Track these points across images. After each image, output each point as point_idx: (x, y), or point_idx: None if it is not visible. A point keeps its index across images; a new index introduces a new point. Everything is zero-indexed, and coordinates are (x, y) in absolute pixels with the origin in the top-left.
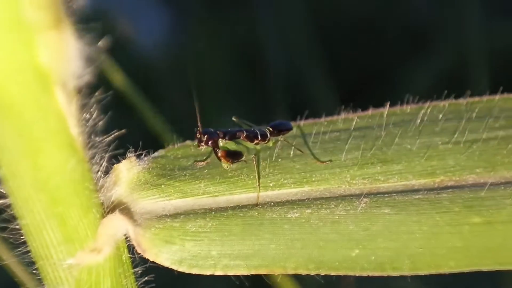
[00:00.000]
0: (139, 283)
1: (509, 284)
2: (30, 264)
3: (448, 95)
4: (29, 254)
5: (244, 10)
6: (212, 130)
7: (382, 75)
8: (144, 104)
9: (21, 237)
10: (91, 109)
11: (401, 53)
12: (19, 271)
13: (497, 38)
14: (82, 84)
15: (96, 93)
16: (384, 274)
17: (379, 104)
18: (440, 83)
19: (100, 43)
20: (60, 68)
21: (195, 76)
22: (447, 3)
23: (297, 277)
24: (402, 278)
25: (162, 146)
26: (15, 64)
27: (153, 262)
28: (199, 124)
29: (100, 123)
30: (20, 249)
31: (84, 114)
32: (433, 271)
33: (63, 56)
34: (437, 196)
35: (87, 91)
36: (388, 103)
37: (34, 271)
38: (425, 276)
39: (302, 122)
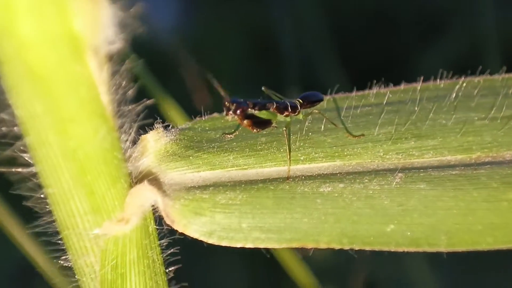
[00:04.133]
0: (165, 255)
1: None
2: (54, 234)
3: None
4: (54, 224)
5: None
6: (241, 100)
7: (395, 62)
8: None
9: (46, 207)
10: (122, 77)
11: (415, 40)
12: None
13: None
14: (114, 51)
15: (127, 61)
16: (420, 250)
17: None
18: (454, 70)
19: (134, 9)
20: (93, 34)
21: (206, 64)
22: None
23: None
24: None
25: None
26: (49, 30)
27: (181, 234)
28: (225, 94)
29: (130, 91)
30: (45, 218)
31: (115, 82)
32: (470, 248)
33: (97, 22)
34: (474, 172)
35: (118, 58)
36: (422, 78)
37: (59, 241)
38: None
39: (333, 96)
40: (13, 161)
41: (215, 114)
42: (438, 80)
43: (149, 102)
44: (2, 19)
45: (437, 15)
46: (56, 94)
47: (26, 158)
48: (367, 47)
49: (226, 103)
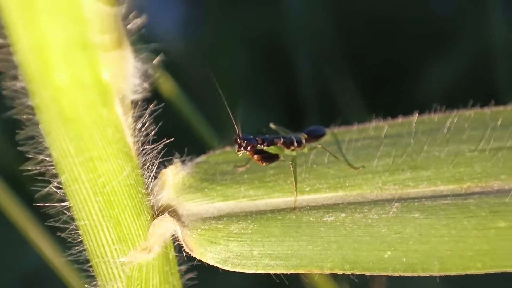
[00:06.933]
0: (184, 280)
1: None
2: (84, 262)
3: (471, 93)
4: (84, 252)
5: (258, 2)
6: (251, 137)
7: (404, 69)
8: (191, 111)
9: (78, 237)
10: (145, 120)
11: (423, 47)
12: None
13: None
14: (138, 98)
15: (150, 105)
16: (415, 274)
17: (399, 100)
18: (463, 78)
19: (156, 61)
20: (120, 84)
21: (210, 70)
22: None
23: (332, 275)
24: (432, 279)
25: (205, 151)
26: (81, 79)
27: (198, 261)
28: (238, 130)
29: (153, 132)
30: (77, 247)
31: (139, 125)
32: (461, 272)
33: (123, 73)
34: (464, 201)
35: (141, 104)
36: (417, 112)
37: (88, 268)
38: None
39: (335, 130)
40: (50, 197)
41: (227, 148)
42: (432, 113)
43: (168, 141)
44: (41, 69)
45: (446, 24)
46: (86, 135)
47: (61, 194)
48: (373, 53)
49: (238, 140)
